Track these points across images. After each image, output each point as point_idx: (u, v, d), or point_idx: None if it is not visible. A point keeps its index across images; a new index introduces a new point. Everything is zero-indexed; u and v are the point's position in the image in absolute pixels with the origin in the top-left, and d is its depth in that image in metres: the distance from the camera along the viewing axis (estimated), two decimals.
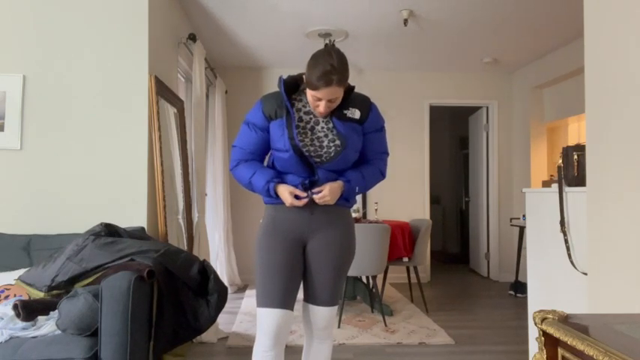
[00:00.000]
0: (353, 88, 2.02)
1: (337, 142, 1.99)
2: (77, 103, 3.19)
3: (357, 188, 2.05)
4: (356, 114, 2.01)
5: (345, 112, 2.00)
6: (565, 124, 5.97)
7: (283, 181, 2.02)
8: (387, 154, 2.16)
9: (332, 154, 1.98)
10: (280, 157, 1.99)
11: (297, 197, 1.97)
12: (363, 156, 2.10)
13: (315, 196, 1.97)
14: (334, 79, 1.85)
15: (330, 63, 1.84)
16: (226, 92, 5.99)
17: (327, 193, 1.96)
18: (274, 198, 2.02)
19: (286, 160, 1.97)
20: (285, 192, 1.97)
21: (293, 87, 2.03)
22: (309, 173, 2.00)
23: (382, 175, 2.14)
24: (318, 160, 1.99)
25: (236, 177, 2.09)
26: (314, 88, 1.87)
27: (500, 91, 6.51)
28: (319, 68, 1.85)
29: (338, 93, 1.90)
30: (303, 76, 1.98)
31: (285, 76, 2.00)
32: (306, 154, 1.96)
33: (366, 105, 2.05)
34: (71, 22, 3.21)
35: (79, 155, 3.19)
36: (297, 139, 1.95)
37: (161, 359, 2.42)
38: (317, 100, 1.91)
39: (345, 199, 2.07)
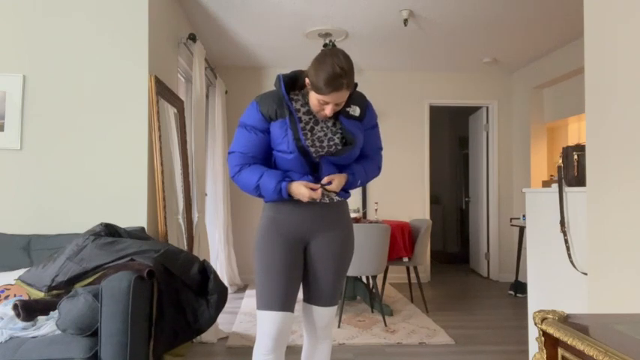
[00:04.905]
0: (356, 85, 1.98)
1: (336, 141, 1.97)
2: (77, 103, 3.19)
3: (358, 182, 2.05)
4: (356, 111, 2.00)
5: (348, 109, 1.98)
6: (565, 124, 5.98)
7: (291, 179, 1.97)
8: (382, 149, 2.17)
9: (332, 153, 1.97)
10: (284, 158, 1.94)
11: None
12: (362, 152, 2.09)
13: (327, 187, 1.95)
14: (344, 83, 1.80)
15: (340, 65, 1.78)
16: (226, 92, 5.99)
17: (334, 187, 1.95)
18: (287, 198, 1.94)
19: (290, 161, 1.93)
20: (300, 187, 1.90)
21: (290, 85, 1.97)
22: (312, 171, 1.98)
23: (379, 170, 2.16)
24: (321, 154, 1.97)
25: (240, 183, 1.97)
26: (322, 92, 1.82)
27: (500, 91, 6.51)
28: (327, 71, 1.78)
29: (345, 97, 1.87)
30: (303, 75, 1.93)
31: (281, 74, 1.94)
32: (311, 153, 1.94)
33: (363, 102, 2.03)
34: (71, 22, 3.21)
35: (79, 155, 3.19)
36: (304, 139, 1.91)
37: (161, 359, 2.42)
38: (323, 104, 1.86)
39: (345, 190, 2.07)
